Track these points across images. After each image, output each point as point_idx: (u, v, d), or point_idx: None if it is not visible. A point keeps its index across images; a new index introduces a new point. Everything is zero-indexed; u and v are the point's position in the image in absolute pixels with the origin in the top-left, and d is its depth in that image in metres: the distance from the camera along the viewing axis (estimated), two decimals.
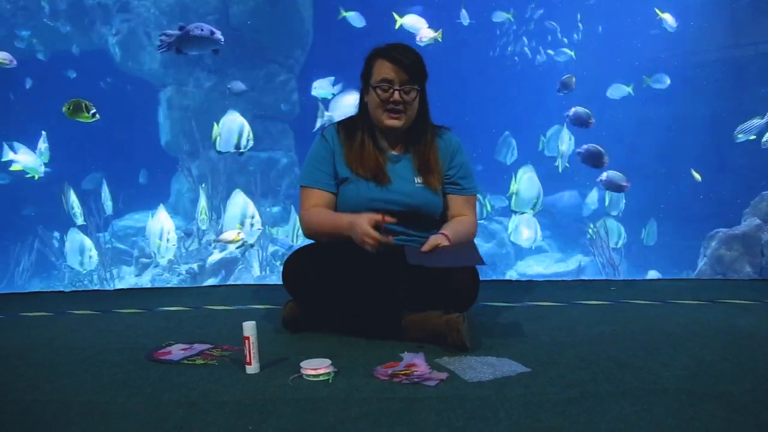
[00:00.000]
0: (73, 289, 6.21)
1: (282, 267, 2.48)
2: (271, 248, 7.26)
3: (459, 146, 2.54)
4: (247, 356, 1.98)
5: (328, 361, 1.96)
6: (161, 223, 5.71)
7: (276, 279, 6.59)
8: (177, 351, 2.22)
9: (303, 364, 1.95)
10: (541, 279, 5.55)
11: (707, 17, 8.11)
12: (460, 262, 2.25)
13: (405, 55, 2.33)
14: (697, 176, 6.90)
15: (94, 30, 8.69)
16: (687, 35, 8.05)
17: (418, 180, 2.44)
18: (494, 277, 5.60)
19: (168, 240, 5.66)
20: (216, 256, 6.94)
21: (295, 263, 2.44)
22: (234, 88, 7.01)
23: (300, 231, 2.70)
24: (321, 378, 1.91)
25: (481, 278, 2.39)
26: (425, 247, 2.21)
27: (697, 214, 7.37)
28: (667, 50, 8.35)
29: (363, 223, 2.17)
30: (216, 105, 8.44)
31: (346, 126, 2.51)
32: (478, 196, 3.47)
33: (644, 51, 8.60)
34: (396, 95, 2.33)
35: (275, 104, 8.47)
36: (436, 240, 2.23)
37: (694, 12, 7.97)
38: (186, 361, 2.12)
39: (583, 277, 6.68)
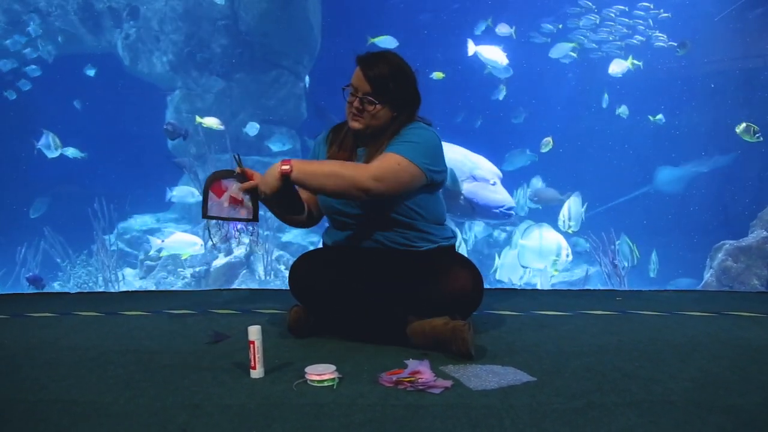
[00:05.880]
0: (79, 290, 6.25)
1: (288, 272, 2.48)
2: (276, 253, 7.26)
3: (413, 126, 2.32)
4: (252, 360, 1.98)
5: (332, 367, 1.95)
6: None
7: (280, 284, 6.59)
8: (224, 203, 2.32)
9: (308, 369, 1.95)
10: (547, 288, 5.52)
11: (716, 29, 8.10)
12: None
13: (373, 67, 2.24)
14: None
15: (103, 33, 8.76)
16: (697, 43, 8.03)
17: None
18: (499, 286, 5.59)
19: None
20: (221, 260, 6.95)
21: (302, 269, 2.43)
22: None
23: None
24: (325, 383, 1.90)
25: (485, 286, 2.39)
26: (243, 186, 2.26)
27: (704, 225, 7.34)
28: (676, 60, 8.33)
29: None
30: (224, 108, 8.48)
31: (338, 126, 2.51)
32: None
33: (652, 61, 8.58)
34: (357, 102, 2.27)
35: (282, 109, 8.50)
36: (255, 183, 2.24)
37: (702, 22, 7.96)
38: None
39: (589, 287, 6.65)
